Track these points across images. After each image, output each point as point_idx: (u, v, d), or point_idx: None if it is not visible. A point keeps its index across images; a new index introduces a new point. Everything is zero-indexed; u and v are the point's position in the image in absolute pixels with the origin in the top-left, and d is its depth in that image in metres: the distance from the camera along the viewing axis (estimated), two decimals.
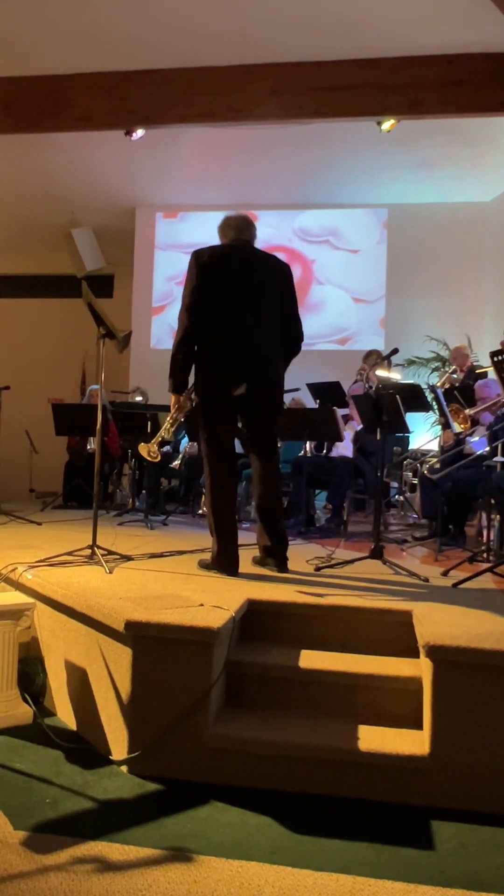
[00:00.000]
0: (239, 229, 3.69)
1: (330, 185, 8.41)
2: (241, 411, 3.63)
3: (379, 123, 5.89)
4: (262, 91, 5.70)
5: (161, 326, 9.39)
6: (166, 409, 6.49)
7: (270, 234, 8.77)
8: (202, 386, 3.62)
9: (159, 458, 4.61)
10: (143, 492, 6.56)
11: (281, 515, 3.86)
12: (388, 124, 5.88)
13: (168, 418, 3.90)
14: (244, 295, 3.55)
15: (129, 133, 6.15)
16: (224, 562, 3.55)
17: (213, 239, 3.80)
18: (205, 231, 9.27)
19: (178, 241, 9.28)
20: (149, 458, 4.51)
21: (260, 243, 4.04)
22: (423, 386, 5.57)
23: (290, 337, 3.73)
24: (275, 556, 3.66)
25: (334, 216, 9.00)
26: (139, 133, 6.19)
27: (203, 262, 3.55)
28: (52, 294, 10.73)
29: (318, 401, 6.20)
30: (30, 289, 10.95)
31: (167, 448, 6.51)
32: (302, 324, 3.80)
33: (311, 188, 8.51)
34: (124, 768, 2.50)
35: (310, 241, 9.01)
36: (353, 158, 7.66)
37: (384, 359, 4.39)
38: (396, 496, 6.87)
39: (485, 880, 1.93)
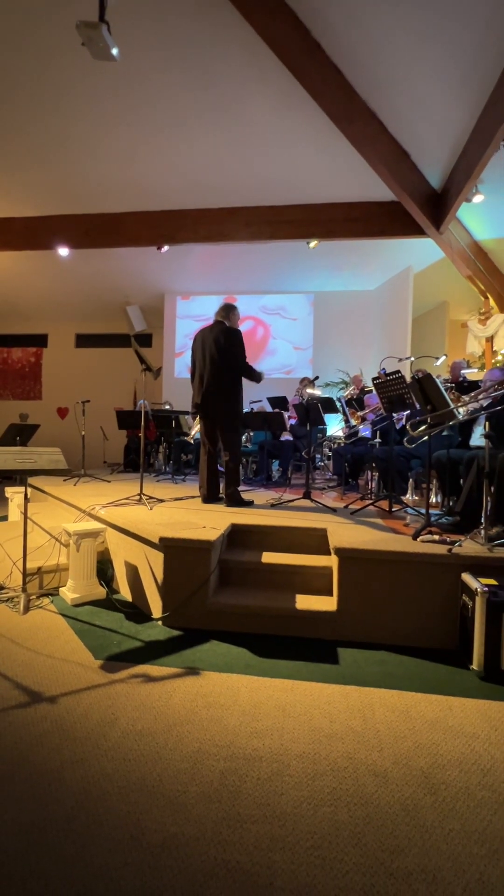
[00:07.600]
0: (217, 313, 3.79)
1: (280, 279, 8.31)
2: (205, 419, 3.75)
3: (308, 243, 5.84)
4: (239, 223, 5.64)
5: (181, 364, 9.25)
6: (185, 413, 6.50)
7: (245, 308, 8.68)
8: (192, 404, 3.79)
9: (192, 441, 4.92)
10: (171, 461, 6.51)
11: (223, 476, 3.81)
12: (313, 243, 5.82)
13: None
14: (202, 353, 3.67)
15: (159, 248, 6.02)
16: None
17: (211, 313, 3.81)
18: (205, 307, 9.23)
19: (189, 313, 9.11)
20: (189, 441, 4.90)
21: (241, 314, 4.05)
22: (335, 398, 5.59)
23: (234, 369, 3.61)
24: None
25: (283, 298, 8.89)
26: (166, 248, 6.06)
27: (194, 337, 3.77)
28: (114, 345, 10.50)
29: (273, 407, 6.20)
30: (101, 342, 10.68)
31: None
32: (240, 361, 3.58)
33: (270, 281, 8.40)
34: (160, 623, 2.52)
35: (268, 313, 8.90)
36: (294, 264, 7.59)
37: (311, 382, 4.37)
38: (319, 462, 6.90)
39: (367, 680, 1.98)
